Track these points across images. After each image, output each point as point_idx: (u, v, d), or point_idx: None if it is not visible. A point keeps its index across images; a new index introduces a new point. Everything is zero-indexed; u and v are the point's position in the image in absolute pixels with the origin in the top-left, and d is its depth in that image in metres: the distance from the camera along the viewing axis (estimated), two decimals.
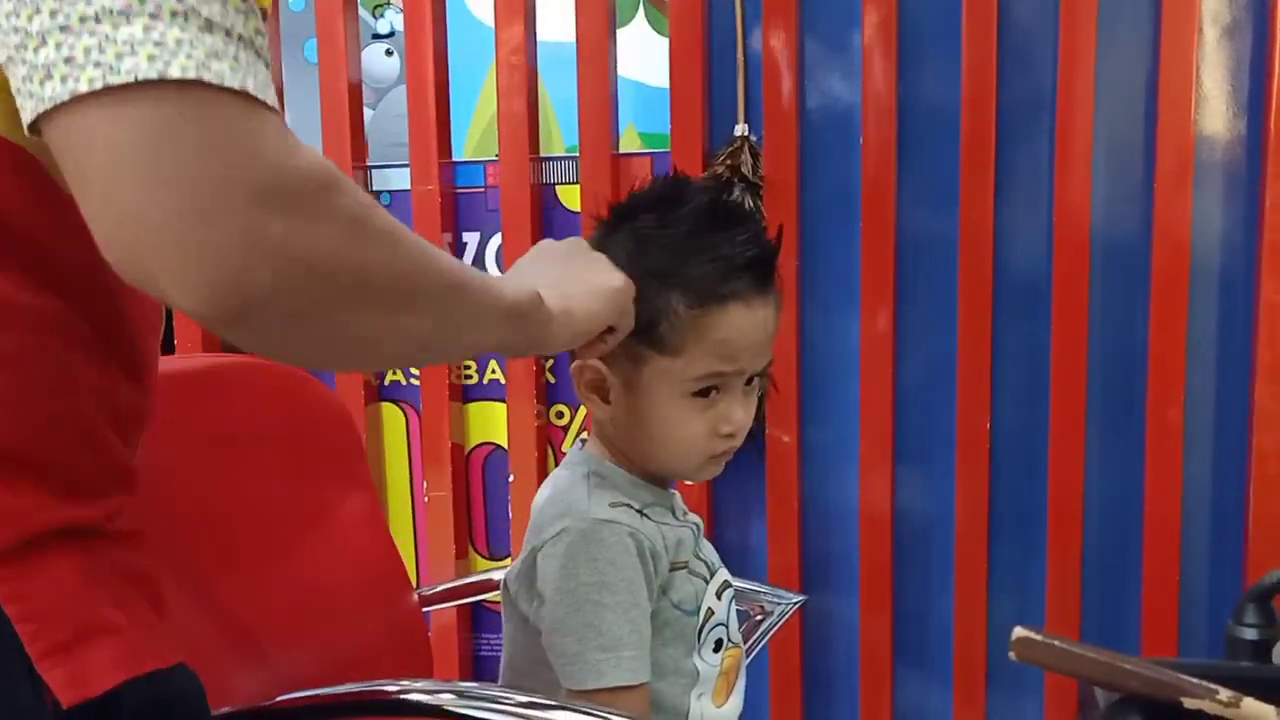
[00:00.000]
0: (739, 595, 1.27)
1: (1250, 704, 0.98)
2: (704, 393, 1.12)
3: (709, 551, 1.22)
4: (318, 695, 1.07)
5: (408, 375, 2.23)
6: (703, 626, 1.16)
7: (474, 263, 2.20)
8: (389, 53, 3.50)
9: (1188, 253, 1.84)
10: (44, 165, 0.70)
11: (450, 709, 1.00)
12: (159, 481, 0.88)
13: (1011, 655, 1.02)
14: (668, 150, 2.02)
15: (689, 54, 1.98)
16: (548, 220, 2.11)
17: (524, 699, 1.01)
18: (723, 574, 1.21)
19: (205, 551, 1.15)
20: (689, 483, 1.97)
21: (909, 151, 1.93)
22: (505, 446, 2.18)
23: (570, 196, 2.12)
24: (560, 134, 3.15)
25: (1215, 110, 1.84)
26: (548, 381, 2.14)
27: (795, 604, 1.56)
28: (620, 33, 2.12)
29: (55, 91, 0.61)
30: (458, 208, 2.18)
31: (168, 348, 1.53)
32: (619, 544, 1.09)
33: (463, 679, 2.20)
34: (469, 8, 3.14)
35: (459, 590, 1.68)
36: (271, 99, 0.65)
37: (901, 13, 1.90)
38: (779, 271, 1.14)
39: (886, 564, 2.01)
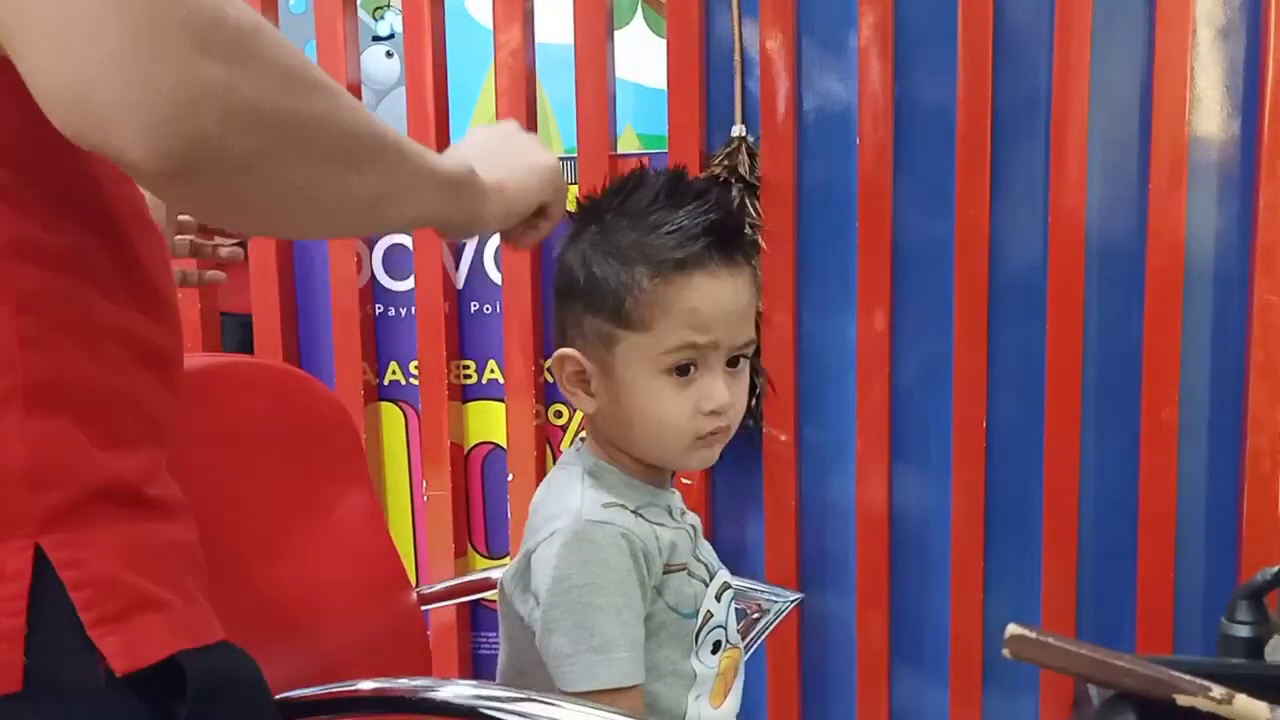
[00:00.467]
0: (736, 594, 1.27)
1: (1243, 701, 0.98)
2: (682, 371, 1.10)
3: (708, 553, 1.22)
4: (328, 692, 1.07)
5: (407, 375, 2.24)
6: (701, 629, 1.16)
7: (471, 265, 2.20)
8: (389, 55, 3.51)
9: (1182, 253, 1.84)
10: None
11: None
12: None
13: (1005, 653, 1.02)
14: (665, 151, 2.02)
15: (686, 55, 1.99)
16: None
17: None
18: (722, 575, 1.21)
19: (205, 550, 1.16)
20: (686, 480, 1.99)
21: (905, 152, 1.94)
22: (504, 446, 2.19)
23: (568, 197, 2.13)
24: (559, 135, 3.16)
25: (1209, 111, 1.84)
26: (546, 381, 2.15)
27: (792, 602, 1.57)
28: (618, 34, 2.12)
29: None
30: None
31: None
32: (611, 545, 1.08)
33: (462, 677, 2.21)
34: (468, 10, 3.16)
35: (458, 589, 1.69)
36: None
37: (898, 14, 1.91)
38: (756, 244, 1.14)
39: (883, 562, 2.02)
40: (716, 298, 1.10)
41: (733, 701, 1.22)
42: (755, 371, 1.95)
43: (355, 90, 2.18)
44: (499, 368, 2.20)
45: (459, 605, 2.20)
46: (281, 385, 1.37)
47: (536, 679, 1.12)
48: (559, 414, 2.18)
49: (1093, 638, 1.82)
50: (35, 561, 0.71)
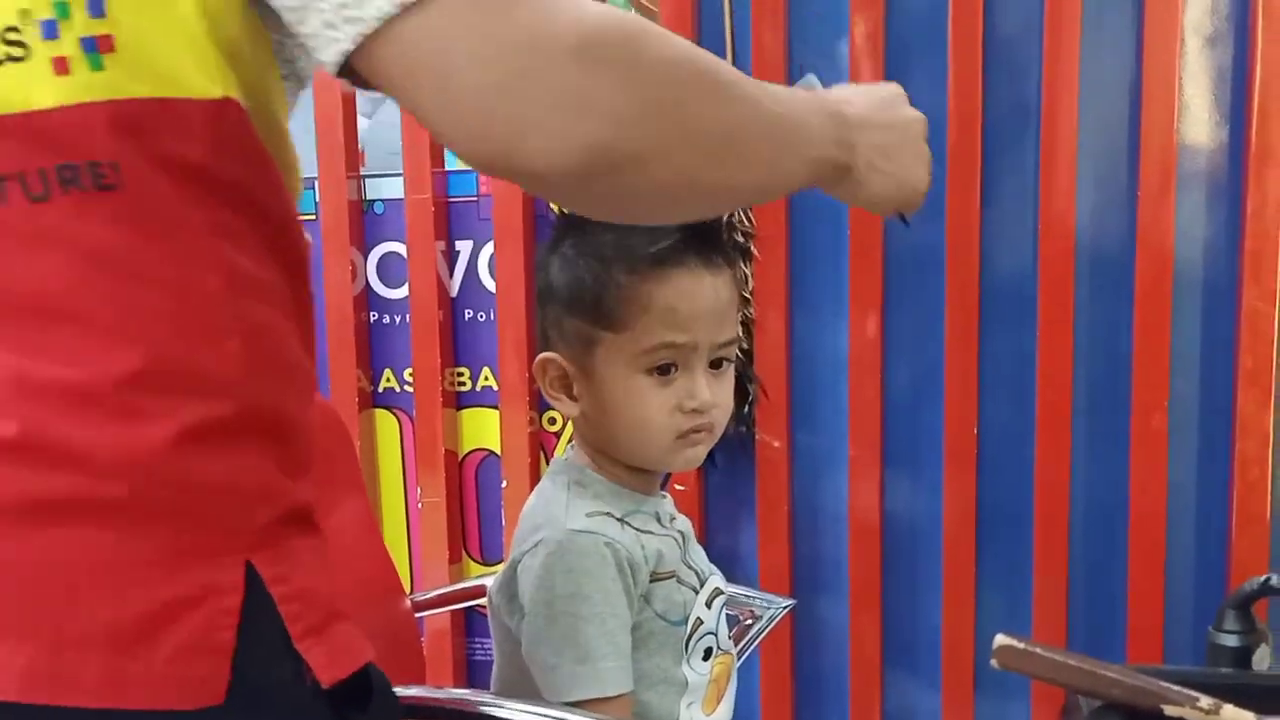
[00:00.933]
0: (728, 600, 1.27)
1: (1230, 711, 0.98)
2: (663, 371, 1.11)
3: (699, 559, 1.22)
4: None
5: (402, 382, 2.25)
6: (691, 636, 1.16)
7: (466, 273, 2.21)
8: None
9: (1171, 260, 1.85)
10: (249, 115, 0.73)
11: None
12: None
13: (994, 663, 1.03)
14: None
15: None
16: (540, 229, 2.12)
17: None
18: (714, 581, 1.21)
19: None
20: (680, 486, 2.00)
21: None
22: (498, 452, 2.19)
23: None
24: None
25: (1197, 119, 1.85)
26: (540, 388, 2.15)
27: (785, 608, 1.57)
28: None
29: (381, 9, 0.67)
30: (450, 216, 2.19)
31: None
32: (595, 554, 1.09)
33: (456, 684, 2.21)
34: None
35: (452, 595, 1.69)
36: None
37: (889, 23, 1.92)
38: (738, 245, 1.14)
39: (876, 568, 2.03)
40: (694, 296, 1.10)
41: (725, 708, 1.22)
42: (748, 378, 1.96)
43: (349, 99, 2.18)
44: (493, 375, 2.20)
45: (453, 611, 2.20)
46: None
47: (528, 688, 1.12)
48: (553, 421, 2.19)
49: (1084, 645, 1.84)
50: (247, 577, 0.73)
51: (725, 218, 1.15)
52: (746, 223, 1.94)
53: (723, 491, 2.08)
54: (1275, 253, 1.81)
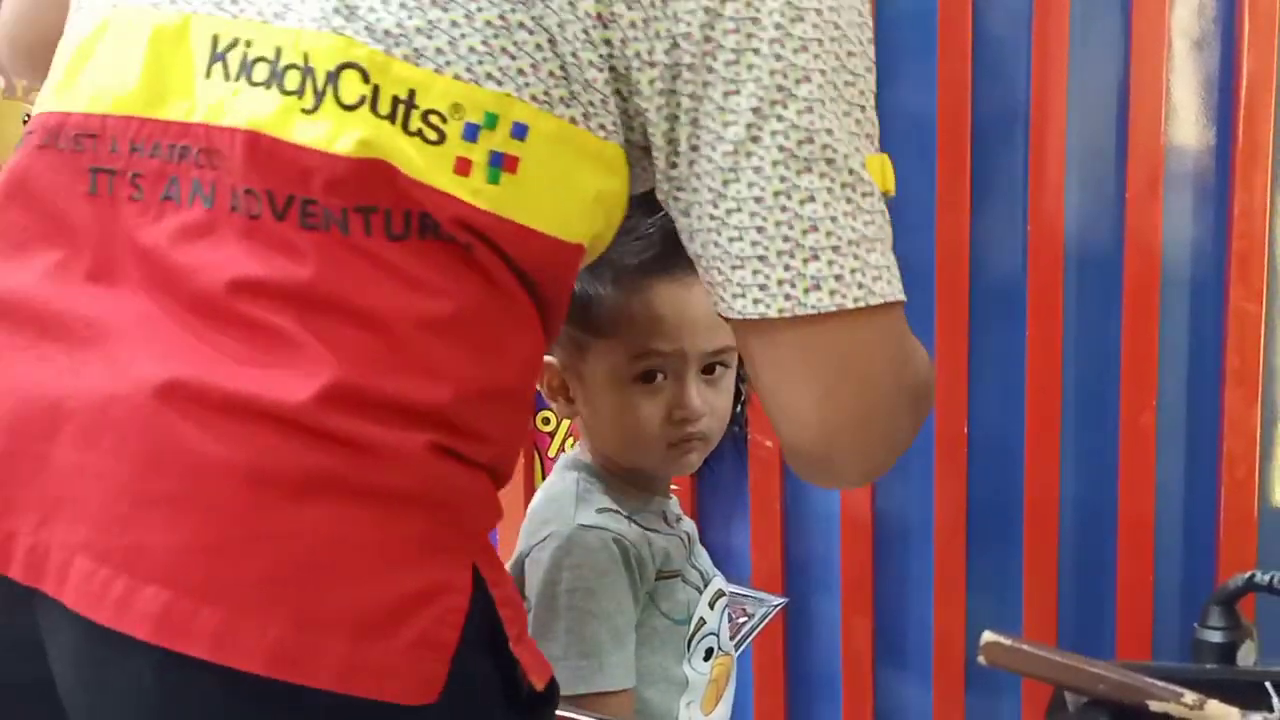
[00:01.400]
0: None
1: (1214, 706, 0.99)
2: (648, 378, 1.10)
3: (704, 560, 1.22)
4: None
5: None
6: (693, 635, 1.17)
7: None
8: None
9: (1159, 260, 1.86)
10: (586, 253, 0.83)
11: None
12: None
13: (981, 659, 1.03)
14: None
15: None
16: None
17: None
18: (717, 583, 1.22)
19: None
20: (673, 486, 2.00)
21: None
22: None
23: None
24: None
25: (1185, 121, 1.86)
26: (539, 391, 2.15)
27: (777, 606, 1.58)
28: None
29: (820, 301, 0.78)
30: None
31: None
32: (603, 550, 1.09)
33: None
34: None
35: None
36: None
37: (878, 26, 1.90)
38: None
39: (867, 566, 2.03)
40: (681, 305, 1.09)
41: (724, 708, 1.23)
42: (740, 378, 1.97)
43: None
44: None
45: None
46: None
47: None
48: (546, 420, 2.19)
49: (1074, 642, 1.85)
50: (474, 578, 0.75)
51: None
52: None
53: (715, 491, 2.08)
54: (1262, 253, 1.83)
